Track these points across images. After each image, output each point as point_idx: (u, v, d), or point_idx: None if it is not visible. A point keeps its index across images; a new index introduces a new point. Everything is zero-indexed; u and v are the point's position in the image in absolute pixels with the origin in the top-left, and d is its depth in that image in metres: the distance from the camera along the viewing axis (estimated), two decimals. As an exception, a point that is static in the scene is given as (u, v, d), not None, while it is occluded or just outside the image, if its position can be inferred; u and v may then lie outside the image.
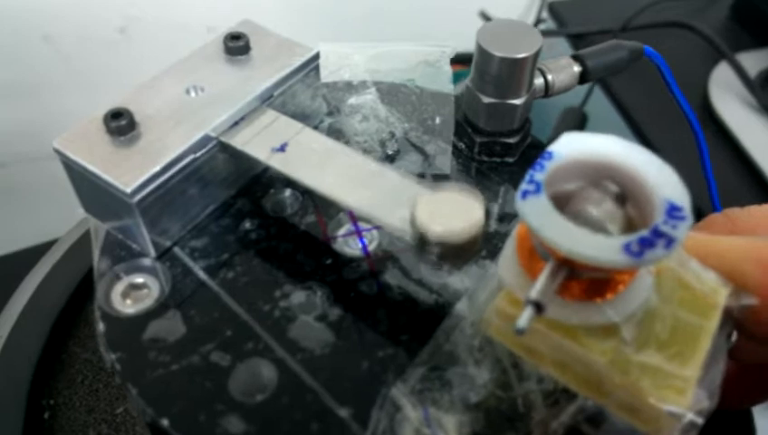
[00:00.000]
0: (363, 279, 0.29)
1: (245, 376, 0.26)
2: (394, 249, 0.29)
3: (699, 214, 0.24)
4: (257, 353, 0.26)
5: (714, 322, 0.21)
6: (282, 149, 0.28)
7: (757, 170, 0.65)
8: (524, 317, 0.19)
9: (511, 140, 0.32)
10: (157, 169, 0.27)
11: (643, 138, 0.71)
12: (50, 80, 1.01)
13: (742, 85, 0.71)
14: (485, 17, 0.92)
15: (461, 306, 0.25)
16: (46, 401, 0.34)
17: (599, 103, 0.78)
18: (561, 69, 0.32)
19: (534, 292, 0.19)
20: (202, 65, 0.30)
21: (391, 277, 0.29)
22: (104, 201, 0.28)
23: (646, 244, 0.19)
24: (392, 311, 0.28)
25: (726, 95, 0.72)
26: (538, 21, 0.92)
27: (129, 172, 0.26)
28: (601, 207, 0.21)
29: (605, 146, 0.21)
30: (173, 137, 0.28)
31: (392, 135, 0.33)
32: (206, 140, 0.28)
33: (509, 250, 0.23)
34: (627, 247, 0.18)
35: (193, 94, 0.29)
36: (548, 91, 0.32)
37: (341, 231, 0.30)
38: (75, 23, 1.04)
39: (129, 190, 0.26)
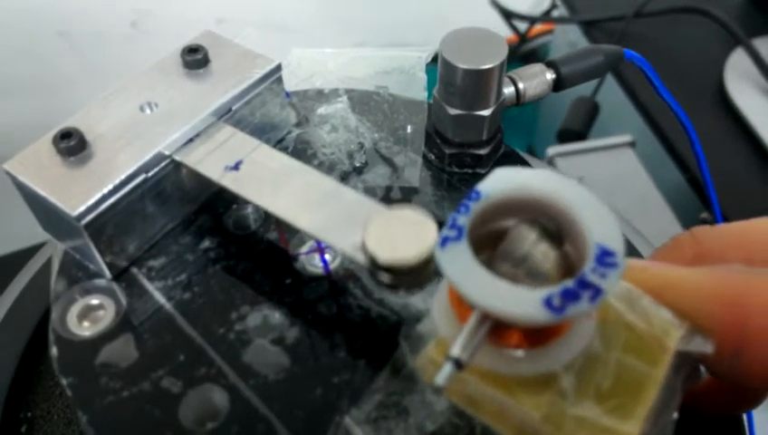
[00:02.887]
0: (323, 299, 0.28)
1: (196, 403, 0.25)
2: (356, 267, 0.29)
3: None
4: (209, 379, 0.26)
5: (662, 369, 0.20)
6: (236, 167, 0.27)
7: (773, 158, 0.63)
8: (442, 374, 0.18)
9: (481, 152, 0.31)
10: (105, 190, 0.26)
11: (656, 127, 0.69)
12: (65, 74, 1.02)
13: (758, 72, 0.68)
14: (497, 6, 0.90)
15: (421, 328, 0.24)
16: (24, 414, 0.34)
17: (611, 93, 0.76)
18: (533, 76, 0.31)
19: (455, 348, 0.18)
20: (159, 80, 0.30)
21: (352, 297, 0.28)
22: (56, 223, 0.27)
23: (569, 297, 0.17)
24: (351, 333, 0.27)
25: (742, 82, 0.69)
26: (552, 7, 0.89)
27: (78, 195, 0.26)
28: (533, 248, 0.19)
29: (538, 182, 0.20)
30: (124, 156, 0.27)
31: (361, 146, 0.32)
32: (158, 158, 0.27)
33: (443, 293, 0.21)
34: (548, 302, 0.17)
35: (147, 111, 0.29)
36: (519, 99, 0.31)
37: (304, 248, 0.29)
38: (89, 18, 1.05)
39: (75, 214, 0.25)
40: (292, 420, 0.25)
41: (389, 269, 0.23)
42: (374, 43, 0.95)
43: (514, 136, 0.95)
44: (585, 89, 0.76)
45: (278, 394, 0.25)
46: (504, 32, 0.92)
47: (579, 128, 0.74)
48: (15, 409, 0.34)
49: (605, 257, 0.18)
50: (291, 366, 0.26)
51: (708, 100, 0.69)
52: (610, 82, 0.75)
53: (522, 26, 0.91)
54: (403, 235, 0.23)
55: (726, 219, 0.56)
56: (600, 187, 0.66)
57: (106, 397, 0.25)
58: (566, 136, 0.75)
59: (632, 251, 0.37)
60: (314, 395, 0.25)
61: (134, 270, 0.29)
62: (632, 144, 0.70)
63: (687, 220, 0.65)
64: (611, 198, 0.43)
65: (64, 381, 0.26)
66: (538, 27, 0.91)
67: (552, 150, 0.69)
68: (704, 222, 0.64)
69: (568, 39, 0.85)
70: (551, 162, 0.69)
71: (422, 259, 0.23)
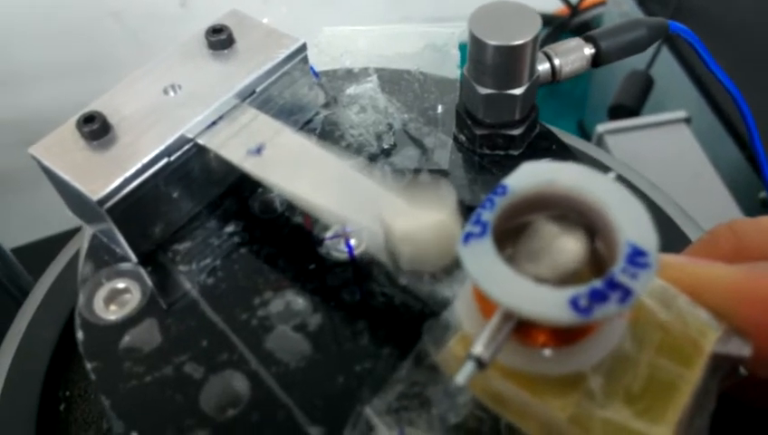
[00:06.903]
0: (346, 286, 0.27)
1: (217, 390, 0.25)
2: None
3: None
4: (231, 365, 0.25)
5: (696, 371, 0.18)
6: (258, 151, 0.27)
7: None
8: (463, 373, 0.17)
9: (514, 132, 0.29)
10: (127, 175, 0.26)
11: (713, 102, 0.66)
12: (117, 56, 1.04)
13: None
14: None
15: (444, 316, 0.24)
16: (62, 393, 0.35)
17: (666, 66, 0.73)
18: (570, 52, 0.29)
19: (477, 346, 0.17)
20: (183, 62, 0.29)
21: (376, 284, 0.27)
22: (82, 206, 0.27)
23: (597, 298, 0.16)
24: (374, 321, 0.26)
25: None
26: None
27: (100, 179, 0.26)
28: (552, 243, 0.18)
29: (567, 177, 0.19)
30: (146, 140, 0.27)
31: (390, 127, 0.31)
32: (181, 141, 0.27)
33: (467, 287, 0.21)
34: (574, 302, 0.16)
35: (171, 94, 0.28)
36: (555, 76, 0.29)
37: (329, 233, 0.29)
38: (139, -1, 1.06)
39: (97, 198, 0.25)
40: (313, 408, 0.24)
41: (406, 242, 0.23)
42: (420, 18, 0.93)
43: (564, 112, 0.92)
44: (639, 62, 0.73)
45: (299, 382, 0.25)
46: (555, 4, 0.89)
47: (631, 103, 0.72)
48: (54, 388, 0.35)
49: (637, 257, 0.17)
50: (312, 353, 0.25)
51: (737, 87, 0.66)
52: (665, 54, 0.72)
53: (573, -2, 0.88)
54: (422, 207, 0.23)
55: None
56: (653, 165, 0.63)
57: (129, 382, 0.25)
58: (618, 112, 0.72)
59: (683, 238, 0.36)
60: (335, 383, 0.25)
61: (160, 254, 0.29)
62: (688, 120, 0.67)
63: (746, 201, 0.62)
64: (665, 177, 0.41)
65: (89, 366, 0.26)
66: (590, -1, 0.88)
67: (601, 127, 0.67)
68: (763, 203, 0.61)
69: (621, 11, 0.81)
70: (600, 140, 0.67)
71: (438, 230, 0.22)
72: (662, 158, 0.65)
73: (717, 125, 0.65)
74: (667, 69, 0.72)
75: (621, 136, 0.67)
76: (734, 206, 0.61)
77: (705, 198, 0.62)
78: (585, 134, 0.87)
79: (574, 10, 0.88)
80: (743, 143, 0.62)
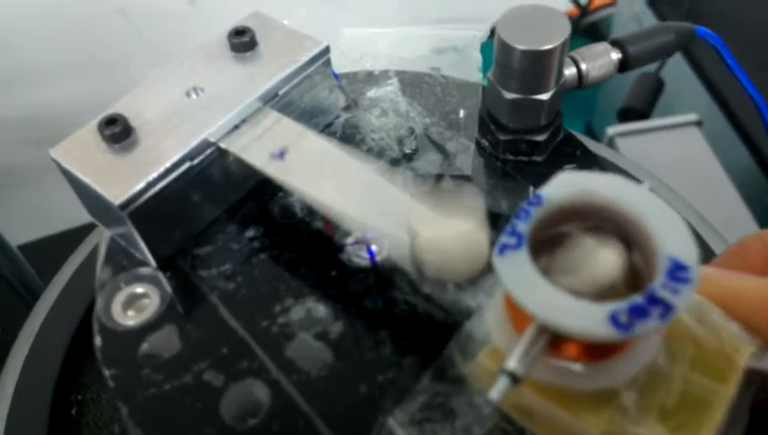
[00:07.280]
0: (368, 293, 0.27)
1: (238, 398, 0.25)
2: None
3: None
4: (252, 374, 0.25)
5: (731, 386, 0.18)
6: (281, 155, 0.26)
7: None
8: (497, 388, 0.17)
9: (538, 138, 0.29)
10: (149, 179, 0.25)
11: (725, 106, 0.66)
12: (123, 53, 1.03)
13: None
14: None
15: (470, 326, 0.23)
16: (74, 397, 0.35)
17: (677, 68, 0.72)
18: (597, 56, 0.29)
19: (511, 361, 0.17)
20: (205, 64, 0.29)
21: (398, 292, 0.27)
22: (101, 210, 0.27)
23: (637, 313, 0.16)
24: (397, 329, 0.26)
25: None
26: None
27: (121, 183, 0.25)
28: (590, 256, 0.18)
29: (605, 188, 0.19)
30: (169, 143, 0.26)
31: (411, 131, 0.31)
32: (204, 145, 0.27)
33: (497, 299, 0.20)
34: (613, 318, 0.16)
35: (193, 96, 0.28)
36: (581, 82, 0.29)
37: (350, 239, 0.28)
38: (146, -4, 1.05)
39: (118, 202, 0.25)
40: (334, 418, 0.24)
41: (434, 257, 0.22)
42: (429, 19, 0.92)
43: (572, 114, 0.92)
44: (650, 65, 0.72)
45: (320, 391, 0.24)
46: (564, 4, 0.89)
47: (641, 106, 0.71)
48: (66, 391, 0.34)
49: (677, 272, 0.16)
50: (334, 362, 0.25)
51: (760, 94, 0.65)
52: (677, 57, 0.71)
53: (583, -1, 0.88)
54: (449, 215, 0.23)
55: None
56: (665, 169, 0.63)
57: (148, 389, 0.25)
58: (628, 114, 0.72)
59: (703, 246, 0.35)
60: (357, 393, 0.24)
61: (179, 259, 0.28)
62: (699, 123, 0.67)
63: (756, 205, 0.61)
64: (676, 180, 0.41)
65: (107, 373, 0.25)
66: (600, -1, 0.88)
67: (612, 130, 0.67)
68: (775, 207, 0.61)
69: (632, 12, 0.81)
70: (611, 143, 0.66)
71: (466, 239, 0.22)
72: (673, 161, 0.65)
73: (728, 129, 0.65)
74: (677, 72, 0.71)
75: (632, 139, 0.66)
76: (745, 210, 0.61)
77: (717, 202, 0.62)
78: (594, 136, 0.87)
79: (584, 11, 0.88)
80: (754, 148, 0.62)
